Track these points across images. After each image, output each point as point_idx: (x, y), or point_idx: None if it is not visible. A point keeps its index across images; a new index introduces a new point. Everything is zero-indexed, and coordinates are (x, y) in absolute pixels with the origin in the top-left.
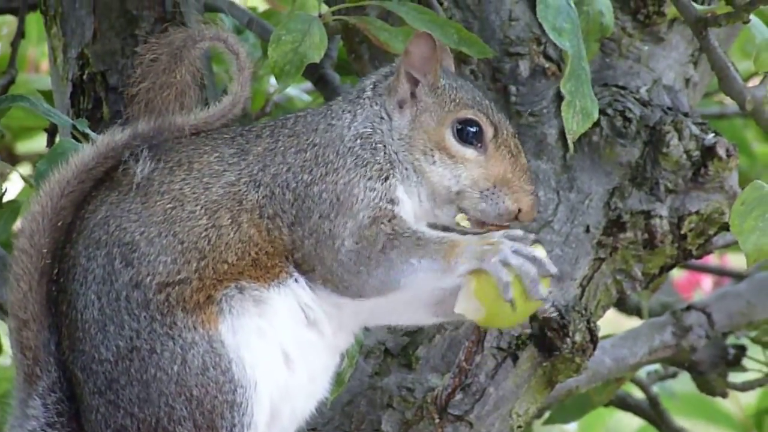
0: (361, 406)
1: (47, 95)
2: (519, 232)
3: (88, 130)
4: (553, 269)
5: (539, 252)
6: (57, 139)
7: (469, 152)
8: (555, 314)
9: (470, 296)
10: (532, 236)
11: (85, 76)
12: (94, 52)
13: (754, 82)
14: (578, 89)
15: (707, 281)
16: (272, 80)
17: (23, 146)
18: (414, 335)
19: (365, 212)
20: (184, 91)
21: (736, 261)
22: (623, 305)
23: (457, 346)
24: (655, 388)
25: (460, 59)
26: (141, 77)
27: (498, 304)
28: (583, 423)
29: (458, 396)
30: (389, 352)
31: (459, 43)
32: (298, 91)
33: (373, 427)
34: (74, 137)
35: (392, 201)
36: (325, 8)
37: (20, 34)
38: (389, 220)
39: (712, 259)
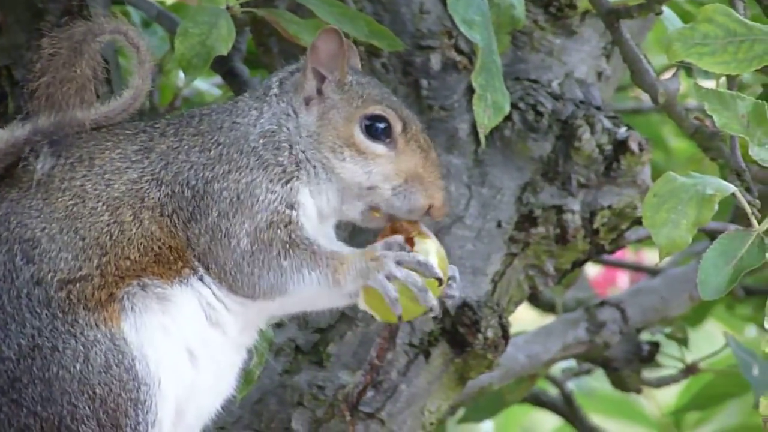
0: (271, 405)
1: None
2: (399, 239)
3: None
4: (438, 273)
5: (422, 256)
6: None
7: (379, 148)
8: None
9: (363, 306)
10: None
11: None
12: None
13: (667, 75)
14: (489, 83)
15: (623, 278)
16: (181, 74)
17: None
18: (325, 332)
19: (263, 214)
20: (85, 85)
21: (650, 256)
22: (537, 301)
23: (369, 343)
24: (571, 385)
25: (371, 52)
26: (41, 72)
27: (387, 313)
28: (498, 422)
29: (370, 393)
30: (300, 350)
31: (369, 35)
32: (208, 85)
33: (283, 425)
34: None
35: (292, 206)
36: (233, 0)
37: None
38: (286, 226)
39: (628, 256)
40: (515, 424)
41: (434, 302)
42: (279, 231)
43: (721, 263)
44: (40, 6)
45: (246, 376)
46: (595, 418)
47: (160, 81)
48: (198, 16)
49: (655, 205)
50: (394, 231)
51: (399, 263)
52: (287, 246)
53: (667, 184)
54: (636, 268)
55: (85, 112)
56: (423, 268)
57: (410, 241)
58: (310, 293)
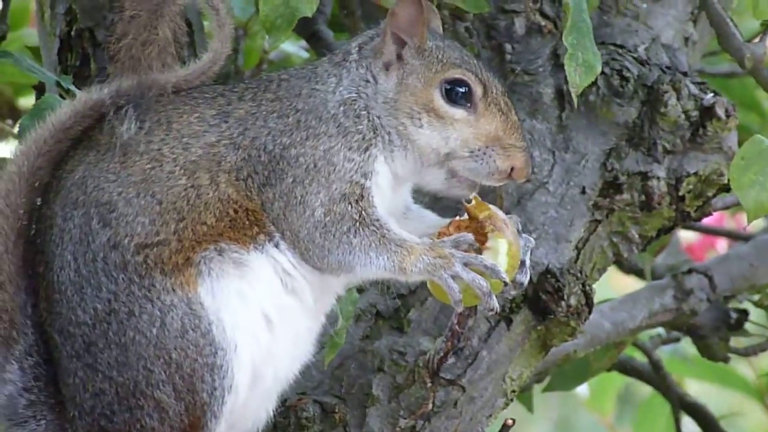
0: (351, 370)
1: (36, 51)
2: (470, 237)
3: (72, 87)
4: (505, 276)
5: (489, 260)
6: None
7: (459, 112)
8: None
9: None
10: (506, 216)
11: (72, 32)
12: (81, 7)
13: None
14: (580, 42)
15: (722, 244)
16: (267, 37)
17: (26, 102)
18: (406, 298)
19: (338, 185)
20: (166, 47)
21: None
22: (625, 267)
23: (450, 310)
24: (660, 353)
25: (455, 16)
26: (122, 34)
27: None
28: (593, 388)
29: (450, 360)
30: (380, 315)
31: None
32: (296, 47)
33: (363, 391)
34: (61, 95)
35: (366, 174)
36: None
37: None
38: (357, 201)
39: (726, 221)
40: (610, 391)
41: (497, 305)
42: (350, 206)
43: None
44: None
45: (331, 340)
46: (692, 384)
47: (245, 44)
48: None
49: (742, 167)
50: (470, 220)
51: (466, 264)
52: (357, 224)
53: (754, 147)
54: (726, 234)
55: (167, 75)
56: (489, 272)
57: (483, 236)
58: (374, 275)
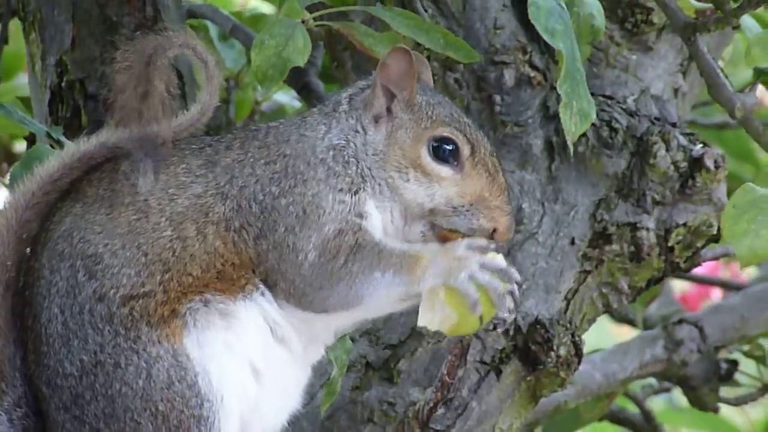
0: (341, 421)
1: (28, 102)
2: (482, 241)
3: (62, 138)
4: (519, 278)
5: (503, 262)
6: None
7: (445, 170)
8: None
9: (439, 306)
10: (492, 246)
11: (63, 84)
12: (72, 59)
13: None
14: (574, 90)
15: (717, 294)
16: (260, 88)
17: (22, 147)
18: (395, 348)
19: (331, 225)
20: (163, 99)
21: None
22: (622, 317)
23: (440, 360)
24: (655, 401)
25: (445, 66)
26: (120, 87)
27: (464, 314)
28: None
29: (440, 410)
30: (370, 366)
31: (445, 47)
32: (289, 98)
33: None
34: (52, 146)
35: (360, 215)
36: (308, 15)
37: (3, 39)
38: (354, 233)
39: (720, 270)
40: None
41: (512, 308)
42: (346, 237)
43: None
44: (114, 19)
45: (328, 387)
46: None
47: (237, 95)
48: (274, 28)
49: (734, 216)
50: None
51: (482, 266)
52: (354, 250)
53: (746, 195)
54: (719, 284)
55: (162, 126)
56: (504, 275)
57: None
58: (386, 297)
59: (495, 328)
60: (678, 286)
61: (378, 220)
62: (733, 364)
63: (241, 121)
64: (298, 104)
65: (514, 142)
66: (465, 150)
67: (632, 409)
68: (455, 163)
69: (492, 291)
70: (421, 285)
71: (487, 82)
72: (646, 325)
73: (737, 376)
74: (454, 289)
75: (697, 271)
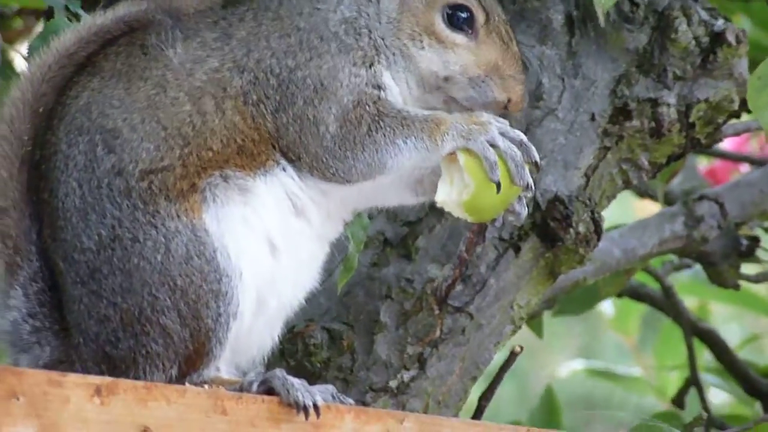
0: (359, 297)
1: None
2: (504, 121)
3: (80, 11)
4: (537, 156)
5: (524, 136)
6: None
7: (459, 38)
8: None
9: (458, 174)
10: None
11: None
12: None
13: None
14: None
15: (745, 168)
16: None
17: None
18: (413, 225)
19: (350, 96)
20: None
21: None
22: (644, 192)
23: (458, 237)
24: (679, 276)
25: None
26: None
27: (483, 183)
28: (618, 311)
29: (458, 287)
30: (388, 242)
31: None
32: None
33: (371, 318)
34: (69, 19)
35: (378, 86)
36: None
37: None
38: (374, 103)
39: (746, 146)
40: (635, 314)
41: (530, 180)
42: (367, 107)
43: None
44: None
45: (346, 263)
46: (713, 305)
47: None
48: None
49: (759, 87)
50: None
51: (503, 134)
52: (376, 119)
53: None
54: (740, 159)
55: None
56: (524, 148)
57: None
58: (410, 163)
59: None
60: (703, 160)
61: (396, 90)
62: (754, 240)
63: None
64: None
65: (535, 17)
66: (479, 17)
67: (653, 285)
68: (469, 30)
69: (510, 159)
70: (442, 148)
71: None
72: (668, 201)
73: (759, 252)
74: (474, 156)
75: (723, 146)
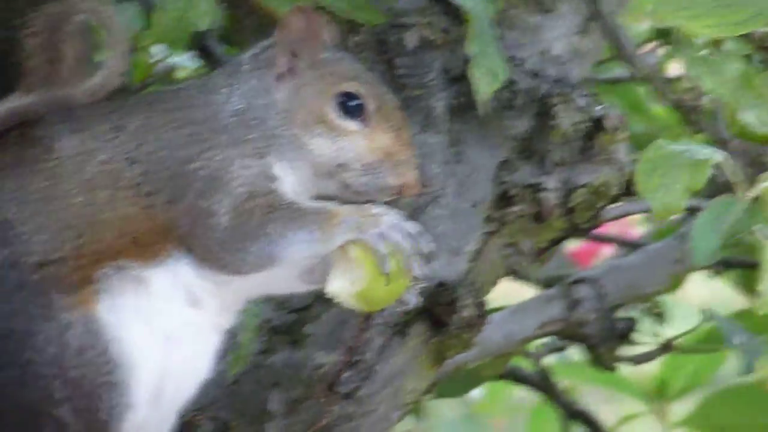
0: (247, 385)
1: None
2: (398, 212)
3: None
4: (431, 247)
5: (416, 227)
6: None
7: (352, 125)
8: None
9: (350, 266)
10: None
11: None
12: None
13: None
14: (483, 50)
15: (607, 251)
16: (153, 51)
17: None
18: (301, 312)
19: (241, 189)
20: (74, 65)
21: (634, 229)
22: (521, 276)
23: (345, 324)
24: (548, 360)
25: (347, 29)
26: (29, 51)
27: (373, 278)
28: (487, 395)
29: (347, 374)
30: (276, 330)
31: (349, 8)
32: (182, 58)
33: (259, 406)
34: None
35: (269, 178)
36: None
37: None
38: (265, 195)
39: (611, 228)
40: (503, 397)
41: (421, 271)
42: (258, 200)
43: (712, 229)
44: None
45: (238, 352)
46: (583, 388)
47: (133, 58)
48: None
49: (647, 171)
50: None
51: (394, 226)
52: (267, 211)
53: (657, 151)
54: (615, 241)
55: (75, 90)
56: (416, 239)
57: None
58: (301, 255)
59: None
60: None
61: (289, 181)
62: (631, 322)
63: (136, 85)
64: (190, 64)
65: (416, 105)
66: (371, 104)
67: (528, 366)
68: (361, 117)
69: (401, 251)
70: (334, 240)
71: (388, 45)
72: (544, 284)
73: (636, 335)
74: (366, 248)
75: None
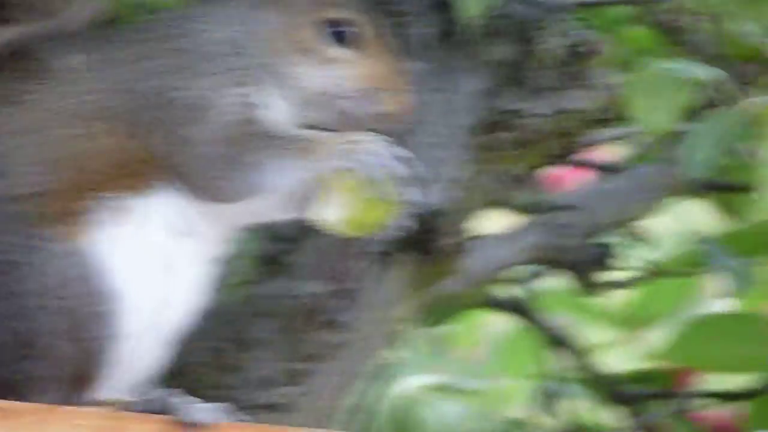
0: (236, 314)
1: None
2: (386, 137)
3: None
4: (421, 172)
5: (405, 152)
6: None
7: (343, 52)
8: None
9: (337, 193)
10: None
11: None
12: None
13: None
14: None
15: (588, 176)
16: None
17: None
18: (287, 242)
19: (227, 117)
20: None
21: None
22: (501, 203)
23: (332, 252)
24: (528, 287)
25: None
26: None
27: (362, 203)
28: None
29: (333, 302)
30: (263, 260)
31: None
32: None
33: (251, 335)
34: None
35: (252, 106)
36: None
37: None
38: (251, 123)
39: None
40: (480, 324)
41: (413, 195)
42: (245, 127)
43: (707, 139)
44: None
45: (230, 280)
46: (556, 316)
47: None
48: None
49: (636, 90)
50: None
51: (384, 151)
52: (254, 139)
53: (647, 70)
54: (597, 167)
55: (71, 16)
56: (406, 163)
57: None
58: (288, 182)
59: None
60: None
61: (276, 109)
62: (613, 247)
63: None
64: None
65: (402, 32)
66: (362, 30)
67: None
68: (353, 44)
69: (391, 175)
70: (320, 167)
71: None
72: (523, 210)
73: (616, 260)
74: (355, 173)
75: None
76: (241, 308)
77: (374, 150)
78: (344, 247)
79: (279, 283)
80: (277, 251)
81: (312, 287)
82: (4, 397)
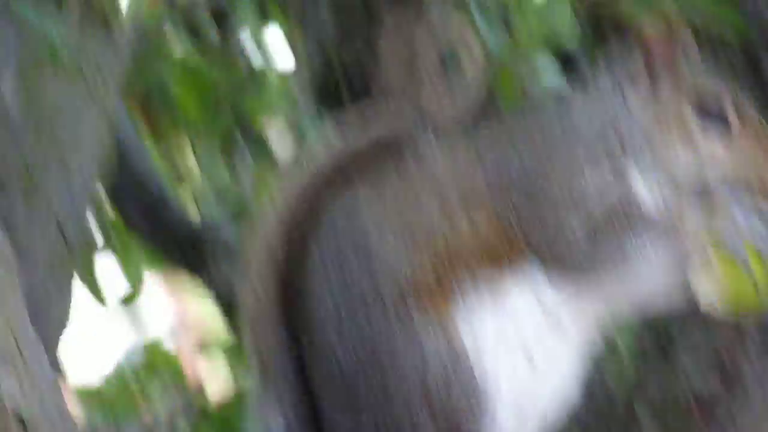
0: (618, 407)
1: None
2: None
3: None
4: None
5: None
6: None
7: (715, 141)
8: None
9: (712, 273)
10: None
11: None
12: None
13: None
14: None
15: None
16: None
17: None
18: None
19: (601, 206)
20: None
21: None
22: None
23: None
24: None
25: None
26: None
27: (737, 280)
28: None
29: (723, 399)
30: (642, 350)
31: (712, 19)
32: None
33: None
34: None
35: (629, 195)
36: None
37: None
38: (624, 211)
39: None
40: None
41: None
42: (617, 217)
43: None
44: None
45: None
46: None
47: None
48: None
49: None
50: None
51: (753, 225)
52: (626, 229)
53: None
54: None
55: (440, 108)
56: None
57: None
58: (656, 271)
59: None
60: None
61: (647, 197)
62: None
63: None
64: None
65: None
66: (736, 119)
67: None
68: (724, 128)
69: (759, 239)
70: (694, 254)
71: (753, 45)
72: None
73: None
74: (726, 251)
75: None
76: (621, 409)
77: (745, 226)
78: (732, 330)
79: (662, 375)
80: (655, 338)
81: (700, 380)
82: None
